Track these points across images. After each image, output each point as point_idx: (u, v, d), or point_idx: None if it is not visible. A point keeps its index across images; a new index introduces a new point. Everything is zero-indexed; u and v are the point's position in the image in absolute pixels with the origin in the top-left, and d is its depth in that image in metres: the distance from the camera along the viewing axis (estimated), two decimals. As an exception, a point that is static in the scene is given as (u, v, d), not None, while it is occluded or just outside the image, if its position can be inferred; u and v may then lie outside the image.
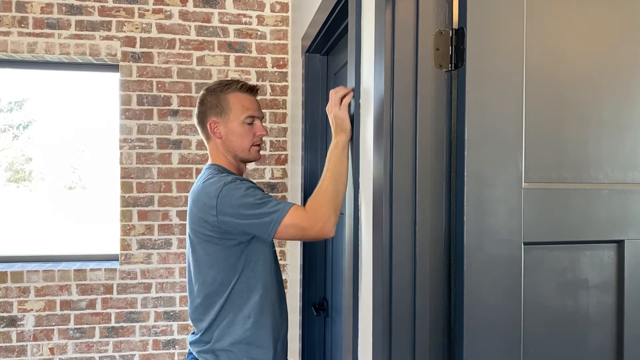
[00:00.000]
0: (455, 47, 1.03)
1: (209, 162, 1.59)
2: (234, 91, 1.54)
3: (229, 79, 1.68)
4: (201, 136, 1.61)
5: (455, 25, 1.04)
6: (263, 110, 2.73)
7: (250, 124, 1.54)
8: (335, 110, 1.39)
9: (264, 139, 2.76)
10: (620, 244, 1.08)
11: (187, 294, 1.60)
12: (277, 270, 1.58)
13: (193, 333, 1.58)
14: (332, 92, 1.41)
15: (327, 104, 1.45)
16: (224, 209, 1.37)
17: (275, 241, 2.76)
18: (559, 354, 1.05)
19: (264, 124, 1.68)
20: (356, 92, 1.35)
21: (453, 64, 1.04)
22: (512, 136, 1.01)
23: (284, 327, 1.60)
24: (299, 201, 2.38)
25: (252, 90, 1.58)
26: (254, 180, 2.79)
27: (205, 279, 1.49)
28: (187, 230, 1.54)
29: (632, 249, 1.08)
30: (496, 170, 1.00)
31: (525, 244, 1.01)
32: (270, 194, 1.43)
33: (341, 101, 1.38)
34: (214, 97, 1.54)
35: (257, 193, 1.40)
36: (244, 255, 1.46)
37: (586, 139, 1.07)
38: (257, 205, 1.36)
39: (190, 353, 1.57)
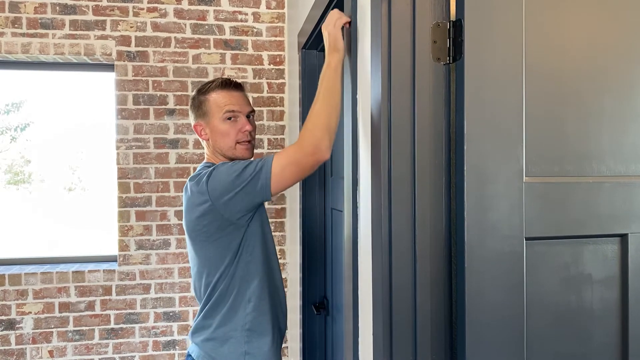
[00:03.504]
0: (453, 40, 1.01)
1: (204, 160, 1.60)
2: (213, 89, 1.52)
3: (210, 80, 1.66)
4: None
5: (453, 17, 1.02)
6: (260, 108, 2.73)
7: (231, 119, 1.50)
8: (330, 28, 1.36)
9: (261, 137, 2.74)
10: (623, 237, 1.06)
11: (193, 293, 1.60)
12: (274, 255, 1.58)
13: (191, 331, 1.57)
14: (331, 13, 1.38)
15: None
16: (216, 188, 1.36)
17: (275, 239, 2.74)
18: (563, 350, 1.03)
19: (256, 120, 1.66)
20: (353, 87, 1.33)
21: (451, 57, 1.02)
22: (513, 129, 0.99)
23: (283, 315, 1.60)
24: (297, 202, 2.36)
25: (230, 85, 1.53)
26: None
27: (207, 269, 1.49)
28: (184, 227, 1.53)
29: (635, 242, 1.06)
30: (496, 165, 0.98)
31: (527, 239, 0.99)
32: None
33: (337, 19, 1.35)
34: (197, 101, 1.55)
35: (241, 162, 1.39)
36: (243, 241, 1.45)
37: (588, 132, 1.05)
38: (243, 171, 1.35)
39: (189, 355, 1.55)
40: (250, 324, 1.47)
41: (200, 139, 1.58)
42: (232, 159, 1.54)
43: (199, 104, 1.54)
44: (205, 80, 2.68)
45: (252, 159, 1.41)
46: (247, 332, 1.47)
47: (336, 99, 1.33)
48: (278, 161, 1.32)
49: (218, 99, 1.51)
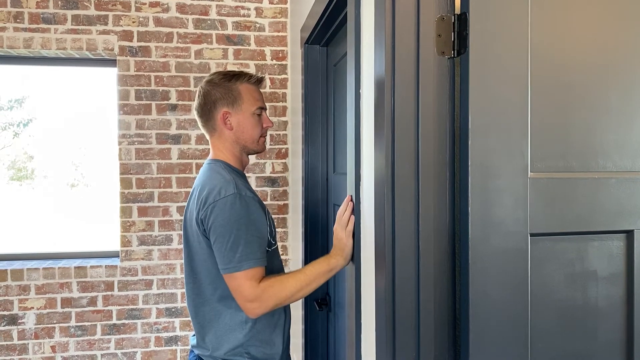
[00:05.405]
0: (457, 33, 1.00)
1: (211, 156, 1.55)
2: (244, 82, 1.52)
3: (231, 70, 1.66)
4: (203, 129, 1.56)
5: (458, 10, 1.01)
6: (262, 104, 2.73)
7: (259, 115, 1.55)
8: (341, 235, 1.39)
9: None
10: (629, 234, 1.05)
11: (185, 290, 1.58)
12: (277, 269, 1.53)
13: (194, 335, 1.55)
14: (338, 214, 1.41)
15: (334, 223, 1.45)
16: (213, 210, 1.35)
17: (277, 236, 2.73)
18: (568, 347, 1.03)
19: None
20: (356, 82, 1.32)
21: (456, 51, 1.01)
22: (517, 124, 0.98)
23: (287, 324, 1.56)
24: (299, 198, 2.35)
25: (260, 82, 1.58)
26: (256, 175, 2.77)
27: (198, 278, 1.47)
28: (185, 223, 1.51)
29: (641, 239, 1.05)
30: (501, 160, 0.97)
31: (531, 235, 0.98)
32: (269, 211, 1.41)
33: (347, 224, 1.38)
34: (223, 88, 1.50)
35: (250, 230, 1.36)
36: None
37: (593, 127, 1.04)
38: (234, 240, 1.33)
39: (192, 351, 1.54)
40: (250, 341, 1.45)
41: (221, 128, 1.51)
42: (247, 153, 1.57)
43: (227, 92, 1.50)
44: (207, 75, 2.66)
45: (258, 230, 1.39)
46: (247, 348, 1.45)
47: (307, 292, 1.39)
48: (242, 278, 1.33)
49: (252, 93, 1.53)
